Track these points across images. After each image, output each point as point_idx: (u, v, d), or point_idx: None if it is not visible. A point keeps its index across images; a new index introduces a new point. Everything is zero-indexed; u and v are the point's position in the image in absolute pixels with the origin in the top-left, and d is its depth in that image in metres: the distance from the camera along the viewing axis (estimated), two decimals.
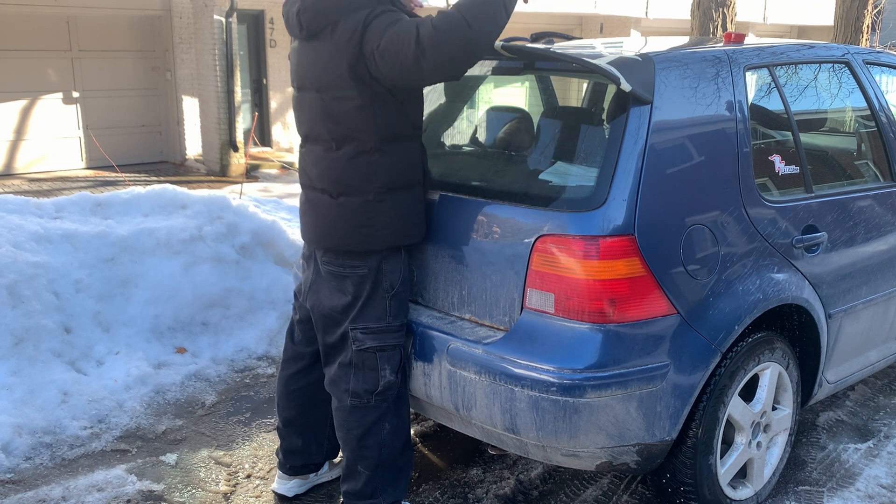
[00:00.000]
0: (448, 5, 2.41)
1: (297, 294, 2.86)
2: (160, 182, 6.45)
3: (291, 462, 2.93)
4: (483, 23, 2.30)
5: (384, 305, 2.58)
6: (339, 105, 2.45)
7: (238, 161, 11.52)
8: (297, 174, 11.54)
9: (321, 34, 2.45)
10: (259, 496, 2.99)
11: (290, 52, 2.67)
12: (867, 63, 3.43)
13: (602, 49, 2.90)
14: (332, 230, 2.56)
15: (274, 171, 11.68)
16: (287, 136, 13.18)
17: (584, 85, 3.57)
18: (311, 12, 2.45)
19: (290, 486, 2.95)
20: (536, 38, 2.93)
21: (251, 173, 11.27)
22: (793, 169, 2.92)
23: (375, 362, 2.58)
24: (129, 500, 2.94)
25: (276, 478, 2.98)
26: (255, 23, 12.76)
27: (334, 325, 2.64)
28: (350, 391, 2.61)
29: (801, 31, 20.48)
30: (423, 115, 2.62)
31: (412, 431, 3.35)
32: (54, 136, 11.49)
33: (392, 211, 2.51)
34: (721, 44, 2.96)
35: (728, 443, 2.77)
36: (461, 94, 3.34)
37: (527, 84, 3.72)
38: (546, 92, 3.33)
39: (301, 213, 2.70)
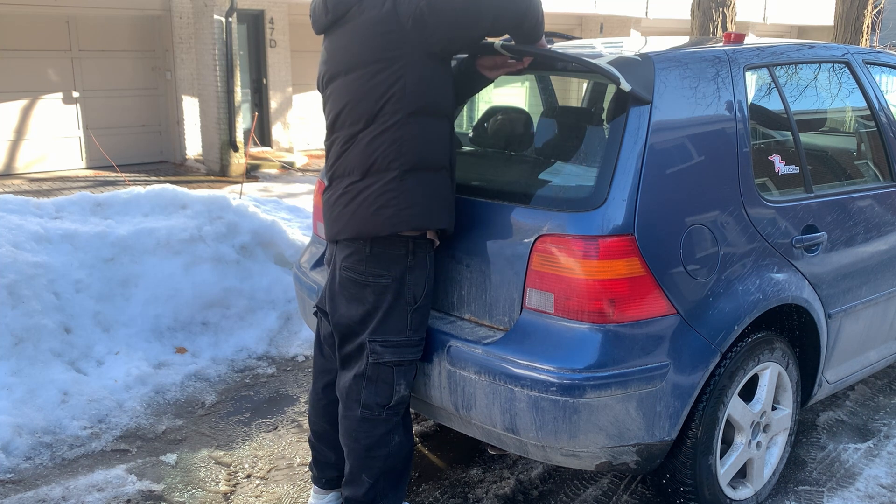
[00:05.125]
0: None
1: (318, 306, 2.73)
2: (160, 182, 6.46)
3: (327, 475, 2.81)
4: None
5: (406, 319, 2.48)
6: (370, 81, 2.38)
7: (238, 161, 11.52)
8: (296, 174, 11.59)
9: (348, 15, 2.41)
10: (259, 496, 2.99)
11: (321, 55, 2.58)
12: (867, 63, 3.43)
13: (602, 49, 2.90)
14: (352, 216, 2.44)
15: (274, 171, 11.68)
16: (287, 135, 13.17)
17: (584, 85, 3.57)
18: None
19: (329, 500, 2.83)
20: None
21: (251, 173, 11.27)
22: (792, 169, 2.92)
23: (391, 376, 2.50)
24: (129, 500, 2.94)
25: (312, 492, 2.87)
26: (255, 23, 12.76)
27: (352, 336, 2.54)
28: (361, 402, 2.52)
29: (801, 31, 20.49)
30: (452, 98, 2.50)
31: None
32: (54, 136, 11.49)
33: (417, 190, 2.41)
34: (721, 44, 2.96)
35: (728, 443, 2.77)
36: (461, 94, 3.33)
37: (527, 84, 3.72)
38: (546, 92, 3.33)
39: (323, 213, 2.59)
